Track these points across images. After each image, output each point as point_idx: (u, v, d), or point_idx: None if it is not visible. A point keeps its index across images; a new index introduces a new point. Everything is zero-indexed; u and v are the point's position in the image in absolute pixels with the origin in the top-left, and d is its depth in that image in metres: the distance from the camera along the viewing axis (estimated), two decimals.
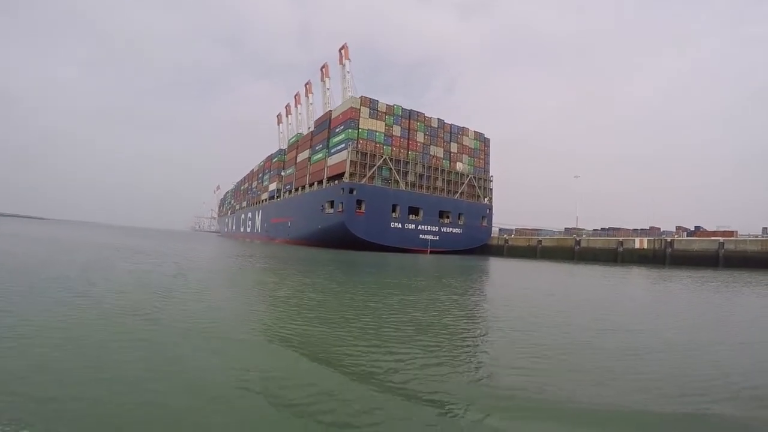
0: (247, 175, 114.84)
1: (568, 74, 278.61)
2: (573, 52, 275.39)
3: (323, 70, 74.33)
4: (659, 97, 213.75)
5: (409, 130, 56.93)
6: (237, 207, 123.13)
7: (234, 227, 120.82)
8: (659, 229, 49.64)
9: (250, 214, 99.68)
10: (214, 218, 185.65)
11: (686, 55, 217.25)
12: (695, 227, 47.61)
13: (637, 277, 26.21)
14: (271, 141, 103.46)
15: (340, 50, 66.70)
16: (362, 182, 51.14)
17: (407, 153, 56.10)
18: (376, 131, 53.93)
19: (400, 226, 53.27)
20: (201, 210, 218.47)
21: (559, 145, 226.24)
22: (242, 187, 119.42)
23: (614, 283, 21.21)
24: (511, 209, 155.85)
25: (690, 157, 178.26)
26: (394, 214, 53.12)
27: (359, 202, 50.36)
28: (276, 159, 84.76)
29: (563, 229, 61.59)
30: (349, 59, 65.71)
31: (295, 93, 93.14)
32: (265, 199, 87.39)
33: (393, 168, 54.16)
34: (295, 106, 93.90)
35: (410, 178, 55.71)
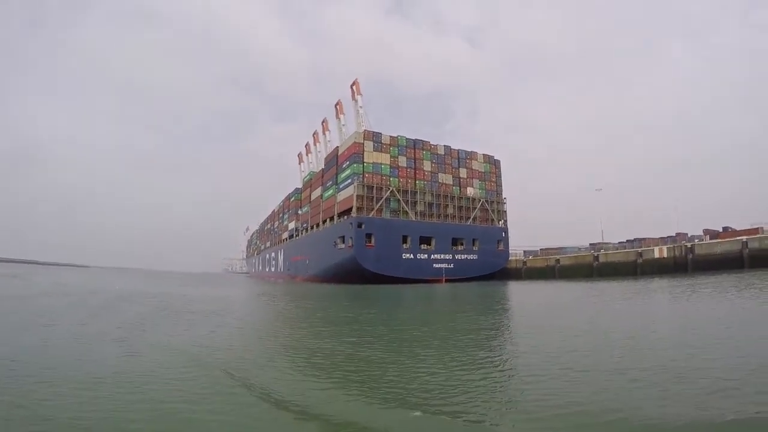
0: (270, 215, 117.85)
1: (582, 84, 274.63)
2: (581, 59, 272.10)
3: (337, 107, 75.08)
4: (676, 93, 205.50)
5: (415, 159, 57.09)
6: (262, 247, 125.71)
7: (260, 267, 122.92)
8: (686, 234, 46.14)
9: (273, 254, 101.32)
10: (244, 259, 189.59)
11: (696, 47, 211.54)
12: (723, 228, 44.02)
13: (618, 292, 24.19)
14: (295, 180, 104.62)
15: (351, 86, 67.21)
16: (370, 215, 51.20)
17: (414, 183, 55.98)
18: (381, 164, 54.37)
19: (412, 256, 52.41)
20: (232, 252, 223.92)
21: (582, 157, 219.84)
22: (266, 228, 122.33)
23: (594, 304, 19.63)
24: (536, 228, 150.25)
25: (726, 151, 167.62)
26: (405, 245, 52.44)
27: (368, 236, 50.19)
28: (293, 198, 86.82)
29: (588, 245, 58.70)
30: (360, 94, 65.82)
31: (313, 131, 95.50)
32: (286, 238, 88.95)
33: (401, 199, 54.05)
34: (314, 145, 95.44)
35: (420, 207, 55.27)
